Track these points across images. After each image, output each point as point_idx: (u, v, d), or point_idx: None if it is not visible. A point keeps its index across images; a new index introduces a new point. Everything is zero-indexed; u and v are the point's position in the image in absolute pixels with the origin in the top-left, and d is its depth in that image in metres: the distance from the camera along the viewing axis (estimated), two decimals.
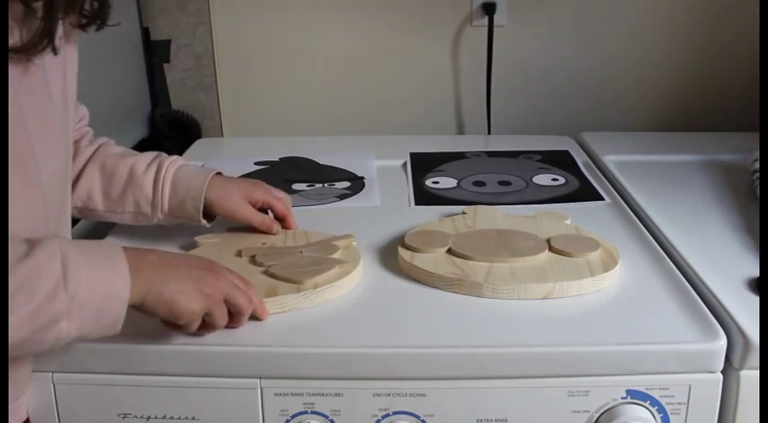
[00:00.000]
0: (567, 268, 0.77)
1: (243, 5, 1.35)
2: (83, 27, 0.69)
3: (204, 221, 0.86)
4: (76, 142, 0.86)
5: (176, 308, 0.63)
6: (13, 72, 0.60)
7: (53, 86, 0.67)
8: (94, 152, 0.86)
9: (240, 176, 1.11)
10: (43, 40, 0.60)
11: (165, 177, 0.85)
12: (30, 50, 0.60)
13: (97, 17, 0.69)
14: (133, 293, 0.60)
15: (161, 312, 0.63)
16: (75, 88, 0.76)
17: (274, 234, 0.88)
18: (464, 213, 0.92)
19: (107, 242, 0.63)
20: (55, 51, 0.62)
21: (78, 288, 0.57)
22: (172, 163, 0.87)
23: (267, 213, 0.90)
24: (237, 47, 1.37)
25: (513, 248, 0.81)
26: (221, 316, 0.66)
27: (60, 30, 0.66)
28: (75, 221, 0.81)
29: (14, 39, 0.59)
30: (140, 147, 0.90)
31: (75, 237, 0.80)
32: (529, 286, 0.74)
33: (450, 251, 0.81)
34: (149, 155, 0.88)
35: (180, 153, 1.21)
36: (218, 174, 0.89)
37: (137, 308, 0.62)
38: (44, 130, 0.65)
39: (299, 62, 1.38)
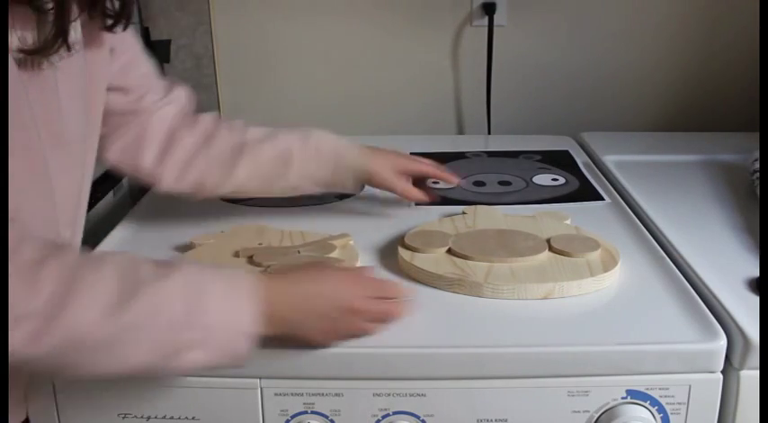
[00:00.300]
0: (567, 268, 0.77)
1: (243, 5, 1.35)
2: (109, 29, 0.69)
3: (358, 191, 0.93)
4: (210, 137, 0.87)
5: (311, 343, 0.65)
6: (26, 79, 0.60)
7: (66, 95, 0.66)
8: (239, 140, 0.87)
9: None
10: (57, 41, 0.59)
11: (324, 153, 0.88)
12: (43, 52, 0.59)
13: (121, 16, 0.69)
14: (267, 330, 0.60)
15: (297, 345, 0.65)
16: (104, 95, 0.76)
17: (421, 199, 0.94)
18: (464, 213, 0.92)
19: (240, 274, 0.62)
20: (69, 48, 0.61)
21: (207, 319, 0.57)
22: (324, 138, 0.89)
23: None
24: (237, 47, 1.37)
25: (513, 248, 0.81)
26: (369, 331, 0.67)
27: (75, 34, 0.66)
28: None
29: (27, 44, 0.59)
30: None
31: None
32: (529, 286, 0.74)
33: (450, 251, 0.81)
34: (298, 132, 0.89)
35: None
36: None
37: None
38: (58, 143, 0.65)
39: (298, 62, 1.38)
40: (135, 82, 0.82)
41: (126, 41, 0.79)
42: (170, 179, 0.86)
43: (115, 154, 0.84)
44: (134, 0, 0.72)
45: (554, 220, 0.90)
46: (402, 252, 0.81)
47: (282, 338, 0.64)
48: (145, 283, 0.56)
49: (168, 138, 0.85)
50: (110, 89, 0.79)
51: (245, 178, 0.87)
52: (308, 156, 0.87)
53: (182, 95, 0.88)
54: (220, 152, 0.86)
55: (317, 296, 0.64)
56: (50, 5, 0.58)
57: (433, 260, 0.79)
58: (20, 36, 0.58)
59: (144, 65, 0.84)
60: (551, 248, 0.81)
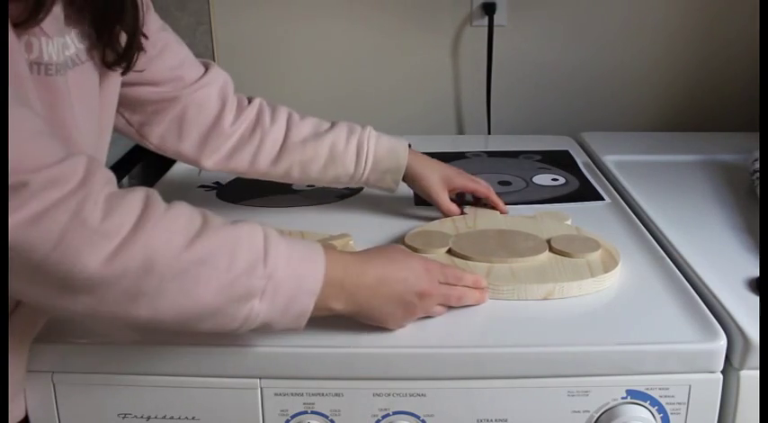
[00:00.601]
0: (568, 269, 0.77)
1: (243, 5, 1.35)
2: (109, 66, 0.69)
3: (395, 189, 0.93)
4: (255, 129, 0.88)
5: (386, 326, 0.68)
6: (36, 83, 0.60)
7: (78, 100, 0.66)
8: (286, 133, 0.89)
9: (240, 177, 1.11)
10: (37, 11, 0.58)
11: (368, 153, 0.89)
12: (26, 23, 0.58)
13: (123, 58, 0.70)
14: (343, 309, 0.64)
15: (373, 325, 0.68)
16: (116, 102, 0.76)
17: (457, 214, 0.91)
18: (464, 213, 0.93)
19: (313, 241, 0.64)
20: (39, 17, 0.58)
21: (276, 268, 0.58)
22: (370, 137, 0.90)
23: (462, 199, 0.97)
24: (237, 47, 1.37)
25: (513, 249, 0.81)
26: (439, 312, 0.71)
27: (82, 47, 0.66)
28: None
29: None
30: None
31: None
32: (529, 287, 0.74)
33: (450, 251, 0.81)
34: (343, 129, 0.90)
35: None
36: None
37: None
38: (68, 146, 0.65)
39: (298, 62, 1.38)
40: (164, 74, 0.82)
41: (152, 37, 0.79)
42: (210, 164, 0.88)
43: (155, 140, 0.85)
44: (139, 46, 0.72)
45: (554, 220, 0.90)
46: None
47: (355, 317, 0.66)
48: (219, 225, 0.58)
49: (209, 123, 0.86)
50: (139, 84, 0.80)
51: (286, 172, 0.90)
52: (350, 155, 0.89)
53: (219, 76, 0.88)
54: (264, 147, 0.88)
55: (394, 281, 0.66)
56: None
57: None
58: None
59: (173, 55, 0.83)
60: (552, 249, 0.81)
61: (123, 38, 0.70)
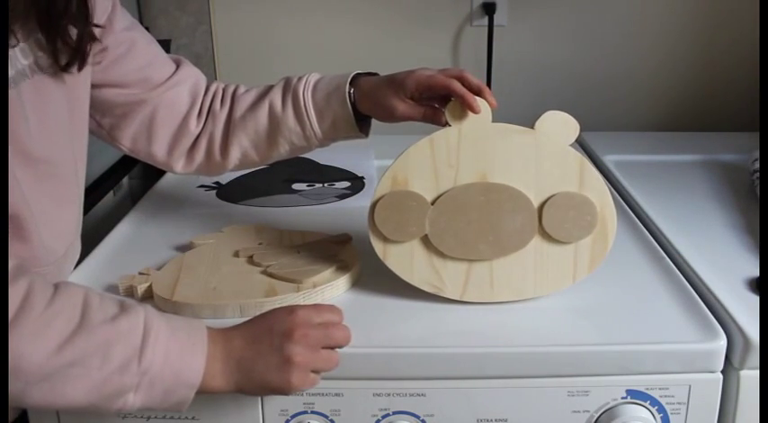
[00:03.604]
0: (551, 267, 0.73)
1: (243, 5, 1.35)
2: (64, 67, 0.67)
3: (363, 134, 0.83)
4: (210, 111, 0.84)
5: (272, 387, 0.62)
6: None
7: (36, 113, 0.65)
8: (229, 113, 0.83)
9: (240, 176, 1.11)
10: None
11: (307, 107, 0.80)
12: None
13: (77, 54, 0.67)
14: (224, 385, 0.61)
15: (264, 395, 0.65)
16: (87, 110, 0.75)
17: (443, 125, 0.74)
18: (447, 124, 0.73)
19: (194, 324, 0.62)
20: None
21: (151, 365, 0.57)
22: (306, 87, 0.81)
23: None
24: (237, 47, 1.37)
25: (497, 233, 0.72)
26: (326, 363, 0.63)
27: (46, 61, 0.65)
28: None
29: None
30: None
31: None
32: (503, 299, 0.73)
33: (425, 239, 0.73)
34: (279, 88, 0.83)
35: None
36: (359, 74, 0.82)
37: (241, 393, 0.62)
38: (26, 160, 0.64)
39: (299, 62, 1.38)
40: (131, 75, 0.80)
41: (118, 38, 0.77)
42: (179, 168, 0.85)
43: (127, 143, 0.83)
44: (92, 35, 0.69)
45: (557, 154, 0.73)
46: (375, 243, 0.75)
47: (251, 394, 0.64)
48: (98, 322, 0.57)
49: (178, 123, 0.83)
50: (106, 85, 0.78)
51: (242, 159, 0.84)
52: (289, 114, 0.81)
53: (190, 74, 0.85)
54: (215, 136, 0.84)
55: (261, 333, 0.63)
56: None
57: (407, 259, 0.74)
58: None
59: (140, 55, 0.80)
60: (541, 227, 0.72)
61: (74, 33, 0.67)
